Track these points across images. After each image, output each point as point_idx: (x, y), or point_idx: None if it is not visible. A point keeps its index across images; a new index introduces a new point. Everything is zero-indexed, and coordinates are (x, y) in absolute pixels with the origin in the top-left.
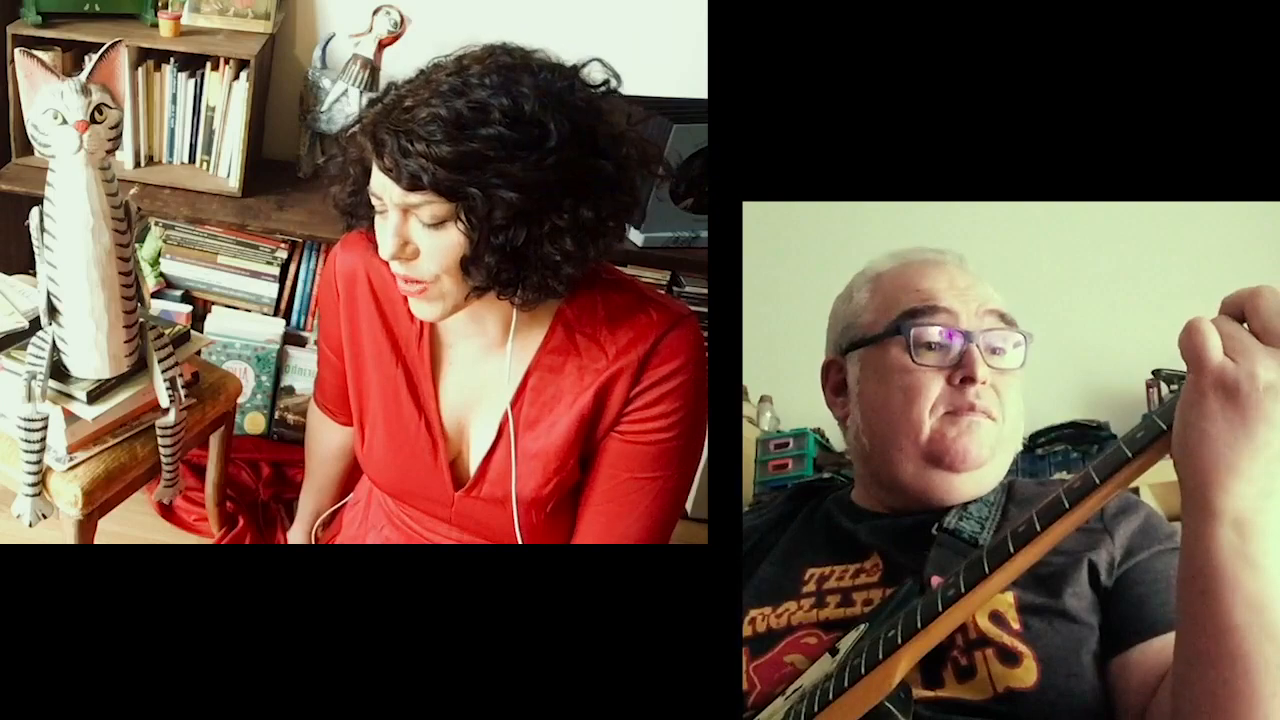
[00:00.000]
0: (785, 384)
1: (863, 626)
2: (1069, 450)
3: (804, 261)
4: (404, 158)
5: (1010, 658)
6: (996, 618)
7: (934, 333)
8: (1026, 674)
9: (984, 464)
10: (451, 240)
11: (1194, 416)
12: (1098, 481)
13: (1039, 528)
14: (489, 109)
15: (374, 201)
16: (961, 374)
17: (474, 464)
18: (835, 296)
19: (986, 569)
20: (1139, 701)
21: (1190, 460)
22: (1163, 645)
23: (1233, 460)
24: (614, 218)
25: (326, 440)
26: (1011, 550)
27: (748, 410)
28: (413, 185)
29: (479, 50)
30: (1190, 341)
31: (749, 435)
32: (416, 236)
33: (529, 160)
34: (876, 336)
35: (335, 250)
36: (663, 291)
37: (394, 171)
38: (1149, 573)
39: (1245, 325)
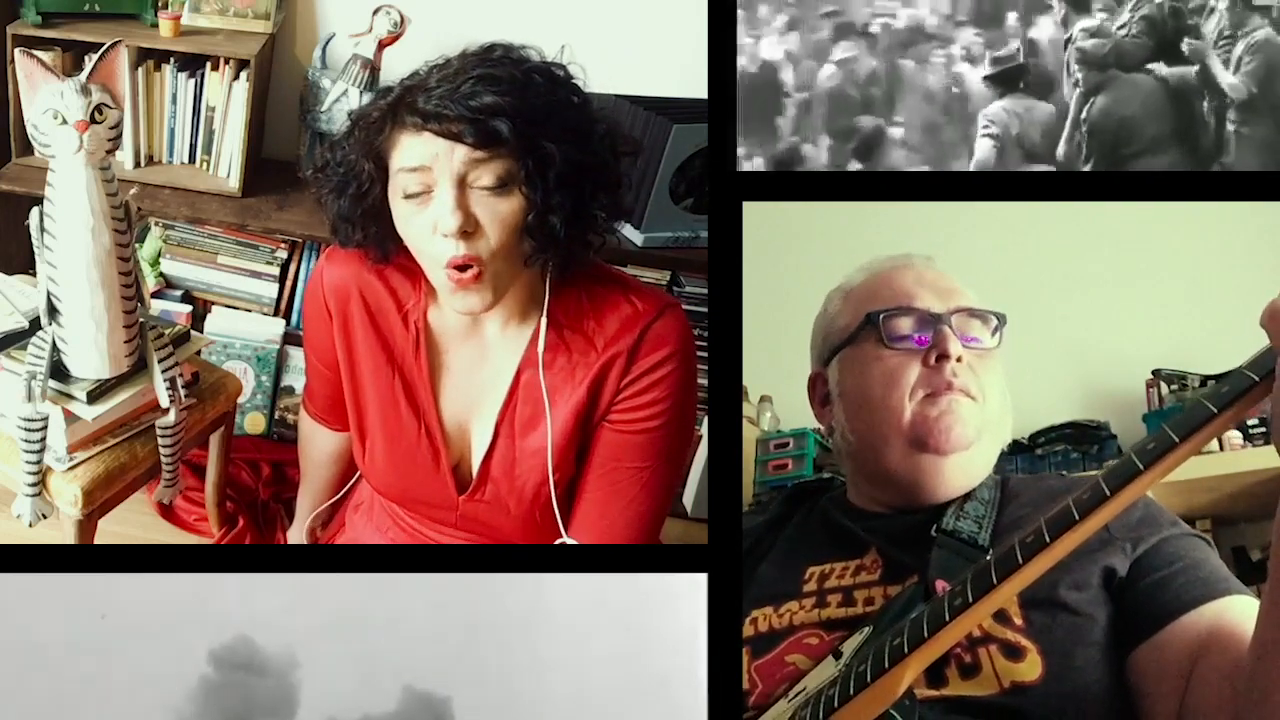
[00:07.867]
0: (785, 384)
1: (867, 629)
2: (1069, 450)
3: (804, 261)
4: (473, 114)
5: (1014, 652)
6: (999, 614)
7: (906, 321)
8: (1031, 668)
9: (969, 445)
10: (514, 205)
11: None
12: (1108, 493)
13: (1048, 539)
14: (532, 74)
15: (414, 185)
16: (936, 352)
17: (475, 468)
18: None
19: (995, 579)
20: (1173, 685)
21: None
22: (1188, 625)
23: None
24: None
25: (321, 446)
26: (1020, 561)
27: (748, 410)
28: (488, 139)
29: (480, 46)
30: (1275, 325)
31: (749, 435)
32: (477, 207)
33: (577, 120)
34: (852, 336)
35: (320, 266)
36: (646, 281)
37: (462, 133)
38: (1160, 557)
39: None
